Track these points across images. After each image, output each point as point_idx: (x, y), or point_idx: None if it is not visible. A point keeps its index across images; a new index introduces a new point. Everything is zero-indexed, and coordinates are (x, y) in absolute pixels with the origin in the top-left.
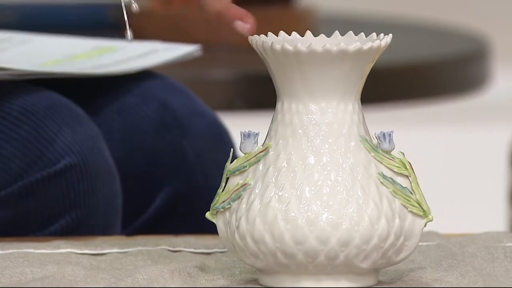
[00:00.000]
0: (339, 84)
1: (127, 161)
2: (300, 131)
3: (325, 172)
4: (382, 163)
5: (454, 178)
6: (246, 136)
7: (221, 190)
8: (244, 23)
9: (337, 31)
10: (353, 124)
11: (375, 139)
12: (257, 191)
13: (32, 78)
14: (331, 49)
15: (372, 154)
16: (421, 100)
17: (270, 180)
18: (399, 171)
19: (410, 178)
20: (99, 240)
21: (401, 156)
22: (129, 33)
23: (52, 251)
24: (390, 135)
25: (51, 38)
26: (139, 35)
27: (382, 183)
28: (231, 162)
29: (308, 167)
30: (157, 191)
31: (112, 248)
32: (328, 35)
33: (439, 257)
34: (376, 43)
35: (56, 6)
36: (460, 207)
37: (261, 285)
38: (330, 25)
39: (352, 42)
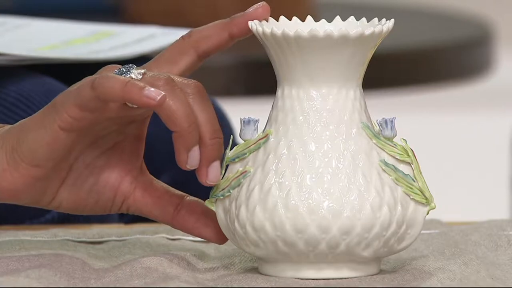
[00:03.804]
0: (341, 70)
1: None
2: (300, 117)
3: (326, 159)
4: (384, 150)
5: (457, 165)
6: (246, 122)
7: (221, 177)
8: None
9: (338, 16)
10: (354, 110)
11: (377, 125)
12: (257, 178)
13: (28, 64)
14: (333, 34)
15: (374, 141)
16: (424, 86)
17: (270, 168)
18: (401, 158)
19: (412, 165)
20: (97, 228)
21: (403, 143)
22: None
23: (49, 239)
24: (392, 121)
25: (47, 22)
26: (137, 19)
27: (384, 170)
28: (230, 149)
29: (309, 154)
30: None
31: (110, 237)
32: (329, 20)
33: (441, 245)
34: (378, 28)
35: None
36: (464, 195)
37: (261, 273)
38: (331, 10)
39: (354, 27)
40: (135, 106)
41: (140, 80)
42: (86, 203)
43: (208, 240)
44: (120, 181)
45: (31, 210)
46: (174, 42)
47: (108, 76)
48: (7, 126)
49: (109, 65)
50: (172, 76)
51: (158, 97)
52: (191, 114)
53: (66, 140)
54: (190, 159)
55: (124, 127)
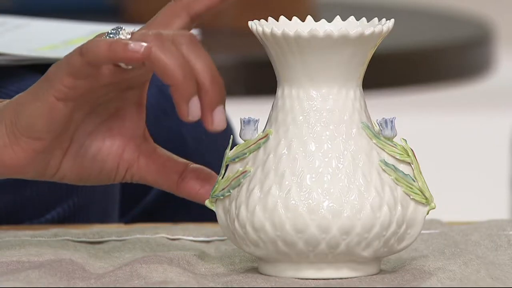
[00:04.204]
0: (341, 70)
1: None
2: (300, 117)
3: (326, 159)
4: (384, 150)
5: (457, 165)
6: (246, 122)
7: (221, 177)
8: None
9: (338, 16)
10: (354, 110)
11: (377, 125)
12: (257, 178)
13: (28, 64)
14: (333, 34)
15: (374, 141)
16: (424, 86)
17: (271, 167)
18: (401, 158)
19: (412, 165)
20: (97, 228)
21: (403, 143)
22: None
23: (49, 239)
24: (392, 121)
25: (47, 22)
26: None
27: (384, 170)
28: (230, 149)
29: (309, 154)
30: None
31: (110, 236)
32: (329, 20)
33: (441, 245)
34: (378, 28)
35: None
36: (464, 195)
37: (261, 273)
38: (331, 10)
39: (354, 27)
40: (127, 66)
41: (129, 39)
42: (90, 172)
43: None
44: (123, 149)
45: (31, 210)
46: (166, 5)
47: (95, 40)
48: (5, 101)
49: (100, 33)
50: (161, 31)
51: (142, 49)
52: (184, 64)
53: (64, 110)
54: (191, 109)
55: (123, 94)
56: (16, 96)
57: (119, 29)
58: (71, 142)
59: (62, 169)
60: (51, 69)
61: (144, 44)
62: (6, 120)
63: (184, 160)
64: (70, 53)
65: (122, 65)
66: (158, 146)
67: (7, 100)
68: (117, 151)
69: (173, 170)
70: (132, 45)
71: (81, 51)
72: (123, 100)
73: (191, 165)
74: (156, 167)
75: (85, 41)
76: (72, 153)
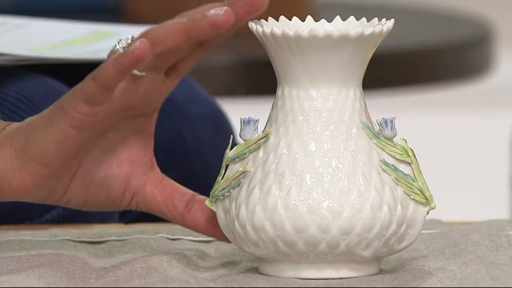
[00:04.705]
0: (341, 70)
1: None
2: (300, 117)
3: (326, 159)
4: (384, 150)
5: (457, 165)
6: (246, 122)
7: (221, 177)
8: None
9: (338, 16)
10: (354, 110)
11: (377, 125)
12: (257, 178)
13: (28, 64)
14: (333, 34)
15: (374, 141)
16: (424, 86)
17: (270, 168)
18: (401, 158)
19: (412, 165)
20: (97, 228)
21: (403, 143)
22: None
23: (49, 239)
24: (392, 121)
25: (47, 22)
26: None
27: (384, 170)
28: (230, 149)
29: (309, 154)
30: None
31: (110, 236)
32: (329, 20)
33: (441, 245)
34: (378, 28)
35: None
36: (464, 195)
37: (261, 273)
38: (331, 10)
39: (354, 27)
40: (141, 73)
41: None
42: (95, 198)
43: (217, 239)
44: (129, 176)
45: (31, 210)
46: (164, 22)
47: (102, 64)
48: (15, 124)
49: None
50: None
51: (138, 43)
52: (182, 17)
53: (77, 137)
54: (226, 10)
55: (132, 121)
56: (27, 120)
57: (116, 43)
58: (79, 167)
59: (69, 193)
60: (65, 97)
61: (139, 40)
62: (16, 145)
63: (191, 191)
64: (83, 81)
65: (137, 73)
66: (165, 175)
67: (16, 124)
68: (123, 178)
69: (179, 201)
70: (130, 47)
71: (93, 76)
72: (132, 127)
73: (197, 196)
74: (162, 197)
75: (85, 41)
76: (80, 178)
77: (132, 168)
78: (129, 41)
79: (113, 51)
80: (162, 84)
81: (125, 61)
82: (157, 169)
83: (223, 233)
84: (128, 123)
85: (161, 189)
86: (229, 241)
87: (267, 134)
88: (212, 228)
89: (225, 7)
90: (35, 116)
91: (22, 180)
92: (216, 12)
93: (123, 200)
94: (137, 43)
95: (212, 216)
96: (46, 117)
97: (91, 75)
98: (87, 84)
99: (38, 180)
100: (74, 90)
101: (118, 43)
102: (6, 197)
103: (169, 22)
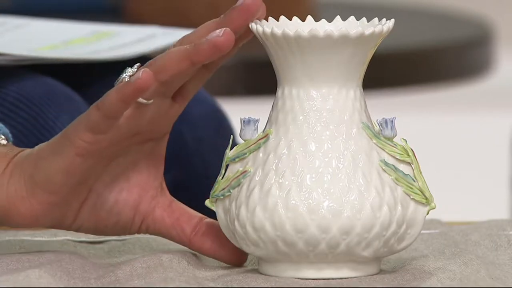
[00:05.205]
0: (341, 69)
1: None
2: (301, 117)
3: (326, 159)
4: (384, 150)
5: (457, 165)
6: (246, 122)
7: (221, 177)
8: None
9: (338, 16)
10: (354, 110)
11: (377, 125)
12: (257, 178)
13: (28, 64)
14: (333, 34)
15: (374, 141)
16: (424, 86)
17: (271, 167)
18: (401, 158)
19: (412, 165)
20: None
21: (403, 143)
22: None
23: (49, 239)
24: (392, 121)
25: (47, 22)
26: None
27: (384, 170)
28: (230, 149)
29: (309, 154)
30: None
31: (110, 236)
32: (329, 20)
33: (441, 245)
34: (378, 28)
35: None
36: (464, 195)
37: (261, 273)
38: (331, 10)
39: (354, 27)
40: (147, 101)
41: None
42: (106, 223)
43: (225, 262)
44: (139, 201)
45: None
46: (168, 50)
47: (107, 92)
48: (25, 151)
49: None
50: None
51: (140, 73)
52: (183, 46)
53: (83, 165)
54: (226, 32)
55: (142, 146)
56: (38, 147)
57: (123, 72)
58: (88, 194)
59: (79, 220)
60: (70, 125)
61: (142, 69)
62: (25, 172)
63: (199, 214)
64: (88, 110)
65: (142, 101)
66: (174, 199)
67: (28, 151)
68: (133, 203)
69: (187, 224)
70: (133, 79)
71: (97, 106)
72: (142, 152)
73: (205, 219)
74: (171, 221)
75: (85, 41)
76: (90, 205)
77: (142, 193)
78: (135, 70)
79: (119, 80)
80: (170, 108)
81: (127, 90)
82: (167, 193)
83: (230, 255)
84: (137, 148)
85: (170, 213)
86: (237, 263)
87: (267, 134)
88: (219, 251)
89: (224, 29)
90: (44, 144)
91: (31, 207)
92: (216, 34)
93: (133, 225)
94: (140, 73)
95: (219, 239)
96: (53, 145)
97: (95, 103)
98: (92, 112)
99: (46, 207)
100: (80, 118)
101: (125, 71)
102: (15, 224)
103: (172, 49)
